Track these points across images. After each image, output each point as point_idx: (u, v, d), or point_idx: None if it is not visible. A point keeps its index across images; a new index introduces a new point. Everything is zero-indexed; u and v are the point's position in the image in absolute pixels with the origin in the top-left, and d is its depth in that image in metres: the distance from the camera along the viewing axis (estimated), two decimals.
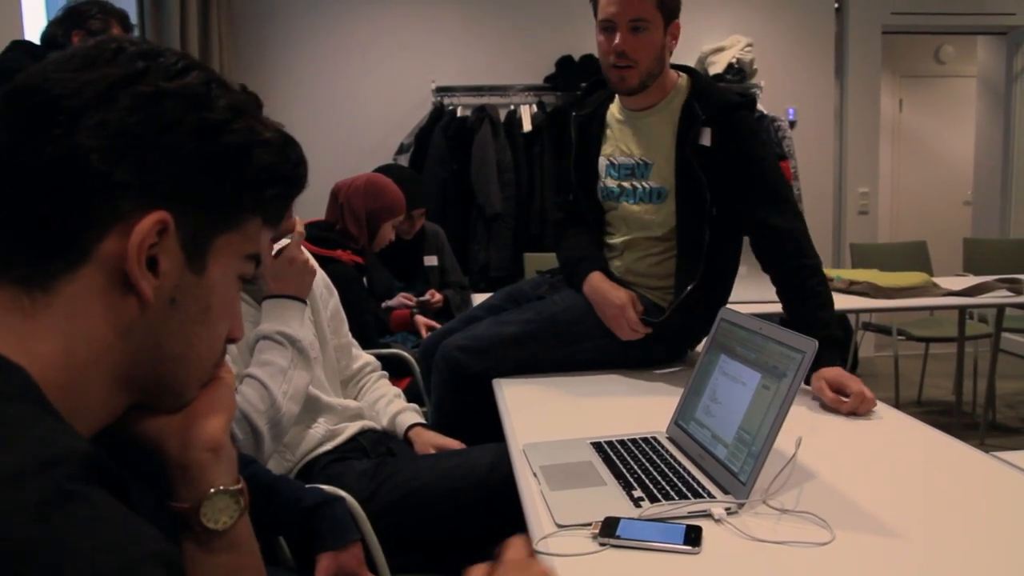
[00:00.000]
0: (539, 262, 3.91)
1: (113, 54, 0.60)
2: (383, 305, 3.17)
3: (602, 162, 1.95)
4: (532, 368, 1.86)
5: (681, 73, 1.89)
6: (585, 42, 4.89)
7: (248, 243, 0.67)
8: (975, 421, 4.13)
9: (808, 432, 1.30)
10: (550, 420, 1.54)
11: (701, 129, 1.76)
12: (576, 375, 1.85)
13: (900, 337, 4.15)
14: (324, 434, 1.63)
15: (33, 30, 2.89)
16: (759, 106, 4.73)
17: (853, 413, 1.50)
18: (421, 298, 3.20)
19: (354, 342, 1.92)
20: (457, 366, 1.84)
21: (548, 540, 1.02)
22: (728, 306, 1.46)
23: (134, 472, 0.65)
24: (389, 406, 1.85)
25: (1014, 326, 4.27)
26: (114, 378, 0.61)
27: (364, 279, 2.79)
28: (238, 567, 0.71)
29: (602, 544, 0.99)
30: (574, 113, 2.02)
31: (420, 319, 3.12)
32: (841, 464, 1.27)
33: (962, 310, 3.90)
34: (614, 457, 1.27)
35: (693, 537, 0.99)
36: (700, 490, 1.14)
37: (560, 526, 1.05)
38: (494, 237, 4.52)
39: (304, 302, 1.56)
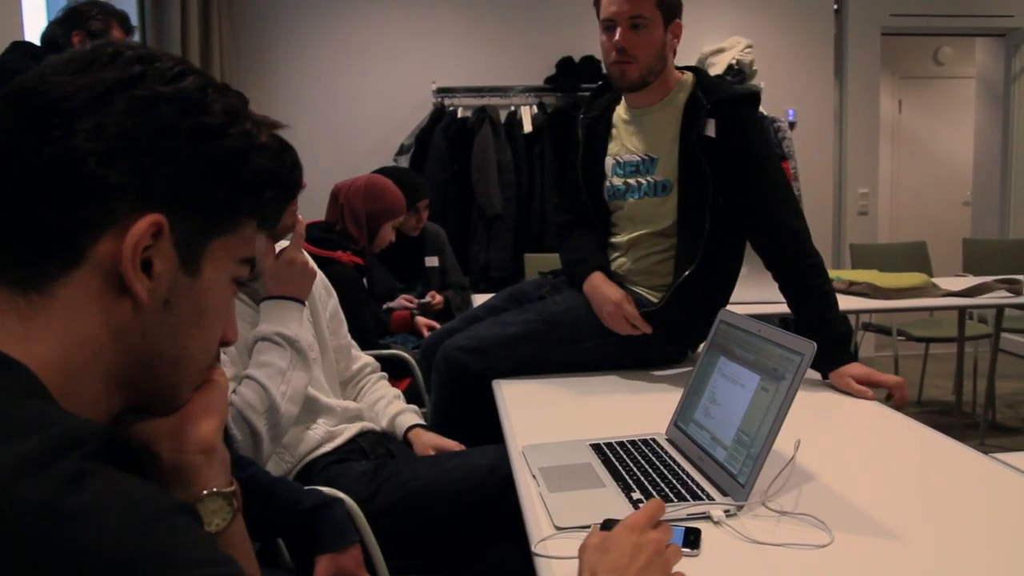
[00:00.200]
0: (540, 263, 3.91)
1: (110, 58, 0.61)
2: (384, 307, 3.17)
3: (608, 162, 1.97)
4: (533, 368, 1.86)
5: (686, 72, 1.92)
6: (585, 43, 4.89)
7: (243, 246, 0.67)
8: (975, 421, 4.13)
9: (807, 434, 1.30)
10: (549, 421, 1.54)
11: (705, 120, 1.78)
12: (575, 376, 1.86)
13: (900, 337, 4.15)
14: (323, 435, 1.63)
15: (33, 31, 2.89)
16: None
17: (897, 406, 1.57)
18: (422, 300, 3.20)
19: (353, 343, 1.92)
20: (458, 366, 1.84)
21: (547, 542, 1.02)
22: (727, 307, 1.46)
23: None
24: (388, 407, 1.85)
25: (1013, 326, 4.28)
26: (109, 380, 0.61)
27: (364, 280, 2.79)
28: None
29: None
30: (582, 115, 2.05)
31: (420, 319, 3.13)
32: (840, 466, 1.27)
33: (962, 310, 3.90)
34: (613, 459, 1.27)
35: (692, 539, 0.99)
36: (699, 492, 1.14)
37: (559, 528, 1.05)
38: (494, 238, 4.52)
39: (303, 303, 1.56)
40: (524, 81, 4.88)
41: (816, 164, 5.22)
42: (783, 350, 1.15)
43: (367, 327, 2.58)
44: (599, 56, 5.01)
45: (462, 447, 1.73)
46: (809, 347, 1.11)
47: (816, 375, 1.72)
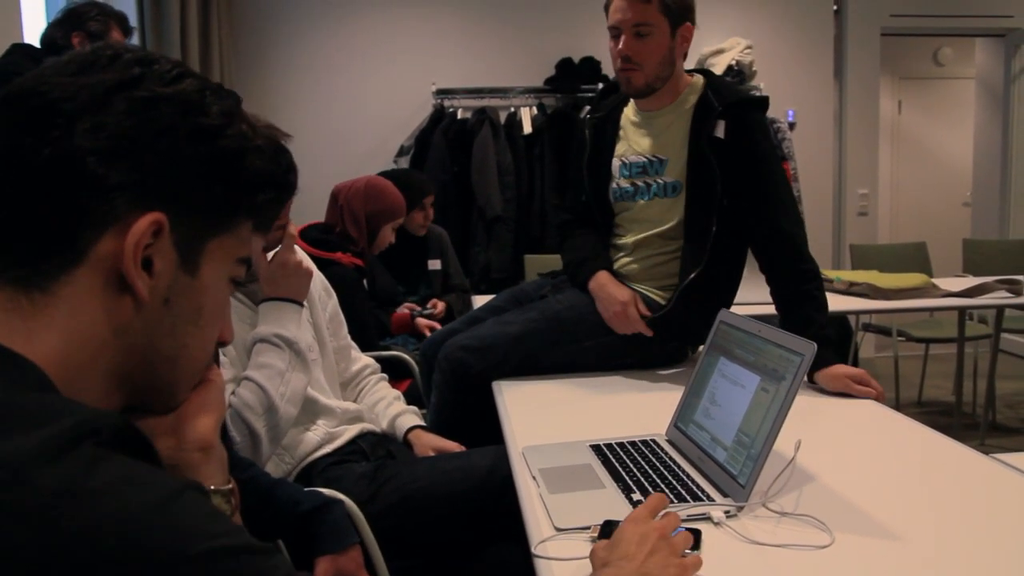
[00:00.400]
0: (540, 264, 3.91)
1: (110, 60, 0.61)
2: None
3: (615, 163, 1.97)
4: (535, 367, 1.86)
5: (696, 74, 1.92)
6: (585, 44, 4.89)
7: (240, 246, 0.68)
8: (975, 421, 4.13)
9: (807, 434, 1.30)
10: (549, 422, 1.54)
11: (716, 121, 1.79)
12: (575, 377, 1.85)
13: (900, 338, 4.15)
14: (323, 436, 1.63)
15: (33, 33, 2.89)
16: None
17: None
18: (425, 310, 3.19)
19: (353, 344, 1.92)
20: (460, 365, 1.84)
21: (547, 544, 1.02)
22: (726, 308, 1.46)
23: None
24: (389, 408, 1.85)
25: (1014, 327, 4.27)
26: (109, 377, 0.62)
27: (364, 281, 2.79)
28: None
29: None
30: (588, 115, 2.05)
31: (421, 320, 3.12)
32: (841, 466, 1.27)
33: (962, 311, 3.90)
34: (613, 460, 1.27)
35: (693, 542, 0.99)
36: (699, 493, 1.13)
37: (559, 529, 1.05)
38: (495, 239, 4.52)
39: (301, 304, 1.56)
40: (524, 82, 4.88)
41: (816, 165, 5.22)
42: (783, 351, 1.15)
43: (367, 328, 2.58)
44: (599, 57, 5.06)
45: (462, 448, 1.73)
46: (809, 347, 1.10)
47: None
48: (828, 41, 5.28)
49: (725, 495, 1.13)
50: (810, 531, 1.03)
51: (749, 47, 4.82)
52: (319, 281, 1.81)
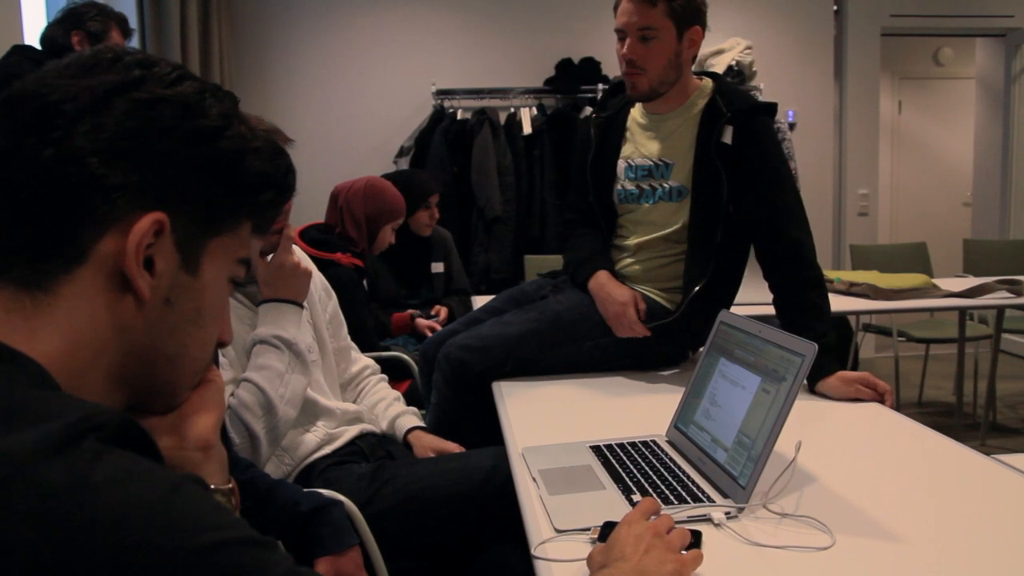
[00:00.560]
0: (540, 264, 3.91)
1: (110, 62, 0.62)
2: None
3: (620, 164, 1.95)
4: (535, 367, 1.86)
5: (704, 77, 1.91)
6: (585, 45, 4.89)
7: (241, 247, 0.69)
8: (976, 422, 4.13)
9: (808, 435, 1.30)
10: (549, 423, 1.54)
11: (723, 127, 1.77)
12: (575, 377, 1.85)
13: (900, 338, 4.15)
14: (323, 438, 1.63)
15: (33, 34, 2.89)
16: None
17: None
18: (429, 319, 3.18)
19: (353, 345, 1.92)
20: (460, 365, 1.84)
21: (546, 545, 1.01)
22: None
23: None
24: (388, 409, 1.85)
25: (1014, 327, 4.27)
26: (110, 377, 0.62)
27: (364, 282, 2.79)
28: None
29: None
30: (594, 114, 2.03)
31: (421, 321, 3.12)
32: (841, 467, 1.26)
33: (962, 311, 3.90)
34: (613, 461, 1.27)
35: (693, 542, 0.98)
36: (700, 494, 1.13)
37: (559, 531, 1.04)
38: (495, 240, 4.51)
39: (301, 305, 1.56)
40: (524, 83, 4.87)
41: (816, 165, 5.22)
42: (784, 351, 1.15)
43: (367, 329, 2.58)
44: (599, 58, 5.05)
45: (462, 449, 1.72)
46: (810, 348, 1.10)
47: None
48: (828, 41, 5.28)
49: (725, 496, 1.13)
50: (811, 532, 1.03)
51: (749, 47, 4.82)
52: (319, 282, 1.81)
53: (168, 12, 3.81)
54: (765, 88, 4.92)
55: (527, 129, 4.62)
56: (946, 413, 4.36)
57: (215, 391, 0.74)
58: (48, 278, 0.58)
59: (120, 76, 0.61)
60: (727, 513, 1.08)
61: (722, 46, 4.80)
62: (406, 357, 2.60)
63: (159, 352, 0.64)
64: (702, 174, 1.81)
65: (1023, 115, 5.59)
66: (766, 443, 1.10)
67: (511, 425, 1.52)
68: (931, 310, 3.29)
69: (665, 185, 1.88)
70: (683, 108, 1.87)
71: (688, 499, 1.12)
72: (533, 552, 1.00)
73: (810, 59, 5.23)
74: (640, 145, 1.93)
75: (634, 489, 1.16)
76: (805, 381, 1.63)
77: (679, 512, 1.07)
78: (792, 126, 5.13)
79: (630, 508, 1.09)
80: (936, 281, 3.14)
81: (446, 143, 4.53)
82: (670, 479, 1.19)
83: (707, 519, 1.07)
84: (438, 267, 3.41)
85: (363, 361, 1.93)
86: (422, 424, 1.83)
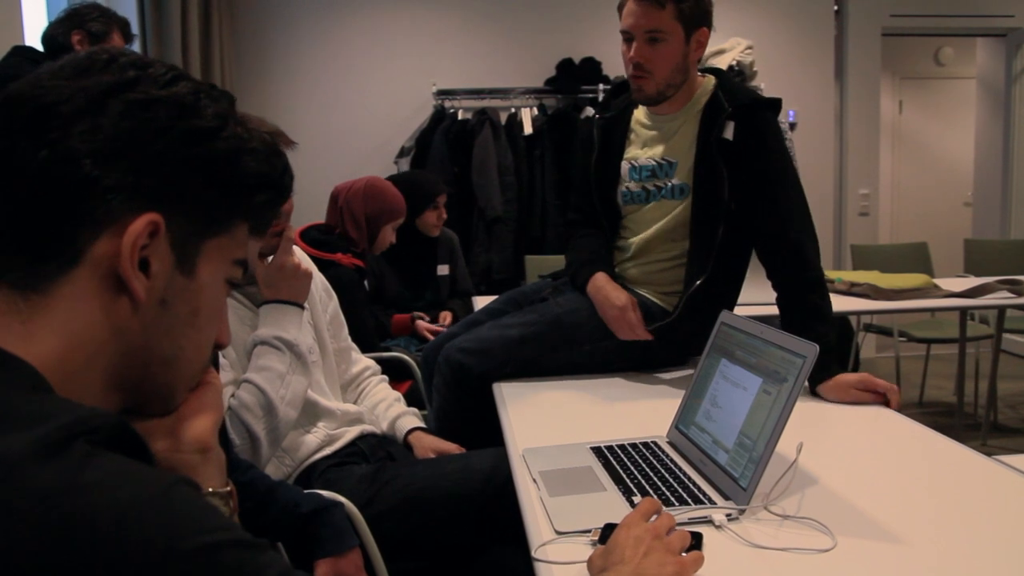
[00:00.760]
0: (541, 264, 3.91)
1: (105, 64, 0.62)
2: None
3: (624, 166, 1.93)
4: (535, 370, 1.85)
5: (708, 75, 1.88)
6: (586, 45, 4.89)
7: (237, 248, 0.68)
8: (977, 422, 4.12)
9: (809, 437, 1.29)
10: (550, 424, 1.54)
11: (725, 122, 1.75)
12: (576, 378, 1.85)
13: (901, 338, 4.15)
14: (323, 439, 1.62)
15: (34, 35, 2.89)
16: None
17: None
18: (435, 324, 3.18)
19: (354, 346, 1.92)
20: (460, 368, 1.83)
21: (547, 547, 1.01)
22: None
23: None
24: (389, 410, 1.85)
25: (1015, 327, 4.27)
26: (106, 380, 0.62)
27: (364, 282, 2.79)
28: None
29: None
30: (597, 115, 2.00)
31: (421, 323, 3.12)
32: (843, 469, 1.26)
33: (963, 311, 3.90)
34: (614, 462, 1.27)
35: (694, 544, 0.98)
36: (701, 496, 1.13)
37: (559, 533, 1.04)
38: (495, 240, 4.51)
39: (302, 307, 1.56)
40: (524, 83, 4.87)
41: (817, 165, 5.22)
42: (785, 352, 1.15)
43: (368, 330, 2.58)
44: (599, 58, 5.04)
45: (462, 450, 1.72)
46: (812, 349, 1.10)
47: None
48: (829, 41, 5.27)
49: (727, 498, 1.12)
50: (812, 534, 1.03)
51: (750, 47, 4.81)
52: (319, 282, 1.81)
53: (169, 13, 3.81)
54: (766, 88, 4.90)
55: (528, 129, 4.61)
56: (947, 413, 4.36)
57: (213, 393, 0.73)
58: (43, 280, 0.58)
59: (115, 77, 0.61)
60: (728, 515, 1.07)
61: (723, 46, 4.80)
62: (407, 358, 2.60)
63: (155, 354, 0.64)
64: (703, 171, 1.79)
65: None
66: (767, 444, 1.09)
67: (511, 426, 1.51)
68: (932, 310, 3.29)
69: (668, 183, 1.86)
70: (686, 108, 1.85)
71: (689, 501, 1.11)
72: (533, 554, 1.00)
73: (811, 59, 5.23)
74: (644, 146, 1.91)
75: (635, 491, 1.16)
76: (806, 383, 1.64)
77: (680, 514, 1.07)
78: (793, 126, 5.13)
79: (631, 510, 1.09)
80: (937, 281, 3.13)
81: (447, 143, 4.53)
82: (671, 480, 1.18)
83: (708, 521, 1.06)
84: (443, 269, 3.40)
85: (364, 362, 1.93)
86: (423, 425, 1.83)
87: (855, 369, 4.32)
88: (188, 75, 0.66)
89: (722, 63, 4.71)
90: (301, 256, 1.68)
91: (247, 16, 4.77)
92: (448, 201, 4.41)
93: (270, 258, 1.55)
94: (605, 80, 4.77)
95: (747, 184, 1.75)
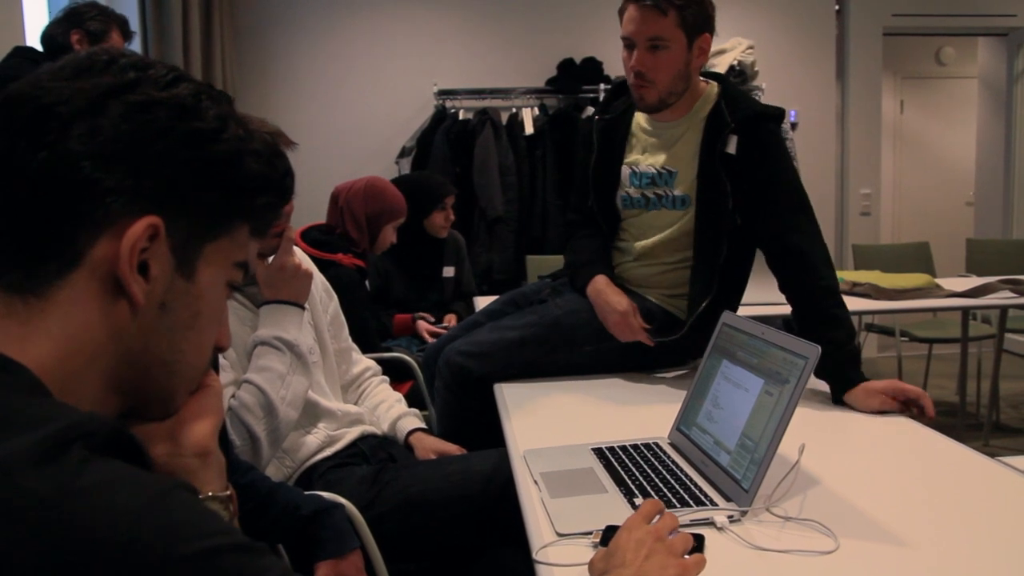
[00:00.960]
0: (541, 264, 3.90)
1: (105, 64, 0.61)
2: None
3: (624, 170, 1.90)
4: (535, 371, 1.85)
5: (710, 81, 1.85)
6: (587, 45, 4.89)
7: (237, 251, 0.68)
8: (979, 422, 4.12)
9: (812, 438, 1.29)
10: (551, 425, 1.53)
11: (728, 136, 1.72)
12: (577, 379, 1.84)
13: (903, 338, 4.14)
14: (324, 440, 1.62)
15: (35, 35, 2.89)
16: None
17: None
18: (440, 325, 3.18)
19: (354, 346, 1.92)
20: (460, 370, 1.83)
21: (548, 549, 1.01)
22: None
23: None
24: (390, 411, 1.84)
25: (1017, 327, 4.26)
26: (105, 383, 0.61)
27: (365, 282, 2.78)
28: None
29: None
30: (597, 117, 1.97)
31: (422, 324, 3.12)
32: (845, 470, 1.25)
33: (965, 311, 3.89)
34: (615, 464, 1.26)
35: (696, 546, 0.98)
36: (702, 497, 1.13)
37: (560, 535, 1.04)
38: (496, 240, 4.51)
39: (302, 307, 1.56)
40: (525, 83, 4.87)
41: (818, 165, 5.22)
42: (787, 353, 1.14)
43: (368, 330, 2.57)
44: (600, 57, 5.03)
45: (464, 451, 1.72)
46: (813, 350, 1.10)
47: (820, 382, 1.69)
48: (830, 41, 5.27)
49: (728, 499, 1.12)
50: (815, 536, 1.03)
51: (751, 47, 4.81)
52: (320, 283, 1.80)
53: (170, 13, 3.81)
54: (767, 88, 4.91)
55: (529, 129, 4.61)
56: (949, 413, 4.35)
57: (213, 397, 0.72)
58: (42, 283, 0.58)
59: (115, 78, 0.60)
60: (730, 516, 1.07)
61: (724, 46, 4.79)
62: (408, 358, 2.60)
63: (155, 358, 0.64)
64: (706, 184, 1.76)
65: None
66: (769, 446, 1.09)
67: (513, 427, 1.51)
68: (934, 310, 3.28)
69: (669, 192, 1.84)
70: (688, 117, 1.82)
71: (691, 502, 1.11)
72: (535, 556, 0.99)
73: (812, 59, 5.22)
74: (644, 152, 1.88)
75: (636, 492, 1.15)
76: (829, 392, 1.62)
77: (681, 516, 1.06)
78: (794, 126, 5.12)
79: (632, 511, 1.09)
80: (939, 281, 3.13)
81: (448, 143, 4.53)
82: (672, 482, 1.18)
83: (710, 523, 1.06)
84: (449, 271, 3.40)
85: (364, 362, 1.93)
86: (424, 426, 1.83)
87: None
88: (189, 76, 0.65)
89: (723, 63, 4.71)
90: (301, 256, 1.68)
91: (248, 16, 4.77)
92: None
93: (270, 259, 1.54)
94: (606, 80, 4.77)
95: (751, 195, 1.72)
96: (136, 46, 3.38)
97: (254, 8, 4.78)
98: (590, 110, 4.52)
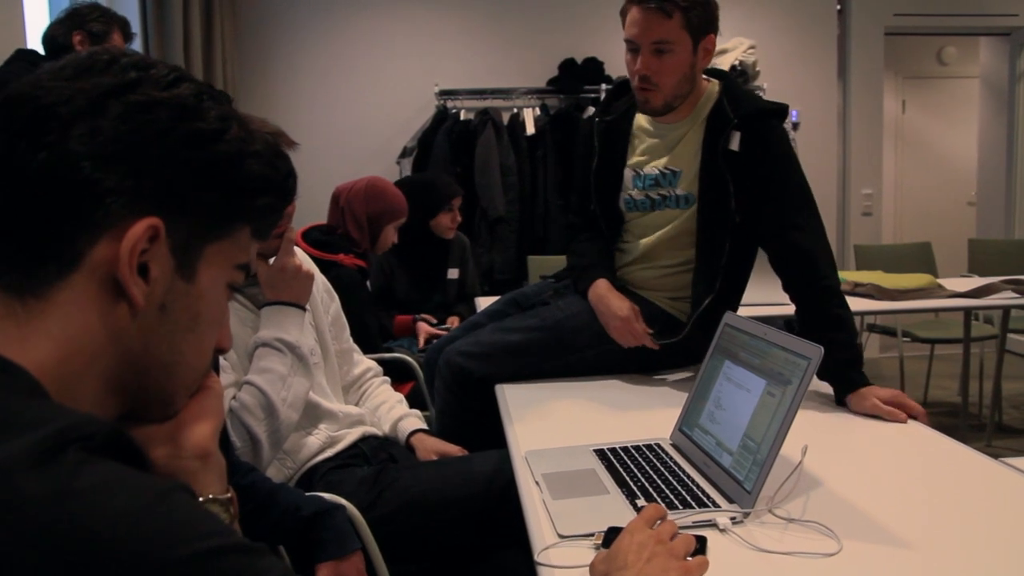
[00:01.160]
0: (543, 265, 3.90)
1: (106, 64, 0.61)
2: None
3: (627, 173, 1.88)
4: (536, 373, 1.84)
5: (711, 79, 1.83)
6: (588, 45, 4.88)
7: (239, 252, 0.67)
8: (981, 423, 4.11)
9: (814, 439, 1.29)
10: (553, 426, 1.53)
11: (731, 133, 1.70)
12: (579, 380, 1.84)
13: (905, 339, 4.13)
14: (325, 441, 1.62)
15: (36, 36, 2.89)
16: None
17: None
18: (442, 327, 3.18)
19: (355, 347, 1.91)
20: (461, 371, 1.82)
21: (549, 551, 1.00)
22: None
23: None
24: (391, 412, 1.84)
25: (1020, 327, 4.25)
26: (104, 385, 0.61)
27: (367, 283, 2.78)
28: None
29: None
30: (597, 119, 1.94)
31: (422, 326, 3.11)
32: (848, 471, 1.25)
33: (967, 311, 3.88)
34: (617, 465, 1.26)
35: (698, 548, 0.97)
36: (704, 499, 1.12)
37: (562, 536, 1.03)
38: (498, 240, 4.51)
39: (303, 308, 1.55)
40: (527, 83, 4.86)
41: (820, 165, 5.21)
42: (789, 354, 1.14)
43: (370, 331, 2.57)
44: (602, 57, 5.02)
45: (465, 452, 1.71)
46: (816, 351, 1.09)
47: (823, 384, 1.68)
48: (831, 40, 5.26)
49: (731, 501, 1.11)
50: (817, 538, 1.02)
51: (752, 47, 4.80)
52: (321, 283, 1.80)
53: (171, 13, 3.80)
54: (768, 88, 4.90)
55: (530, 129, 4.61)
56: (951, 414, 4.34)
57: (214, 398, 0.72)
58: (41, 284, 0.57)
59: (116, 78, 0.60)
60: (732, 518, 1.07)
61: (725, 46, 4.79)
62: (409, 359, 2.60)
63: (154, 360, 0.63)
64: (708, 182, 1.75)
65: None
66: (772, 447, 1.09)
67: (514, 428, 1.51)
68: (936, 310, 3.27)
69: (672, 192, 1.83)
70: (691, 118, 1.80)
71: (693, 504, 1.10)
72: (536, 558, 0.99)
73: (813, 58, 5.22)
74: (646, 153, 1.87)
75: (638, 494, 1.15)
76: (832, 393, 1.61)
77: (683, 517, 1.06)
78: (796, 126, 5.11)
79: (634, 513, 1.08)
80: (941, 281, 3.12)
81: (449, 144, 4.53)
82: (674, 483, 1.18)
83: (712, 524, 1.06)
84: (453, 273, 3.41)
85: (365, 363, 1.93)
86: (425, 427, 1.82)
87: None
88: (191, 76, 0.65)
89: (724, 63, 4.70)
90: (302, 257, 1.68)
91: (249, 16, 4.77)
92: None
93: (272, 259, 1.54)
94: (608, 80, 4.76)
95: (753, 192, 1.71)
96: (137, 46, 3.38)
97: (255, 8, 4.78)
98: (592, 110, 4.52)
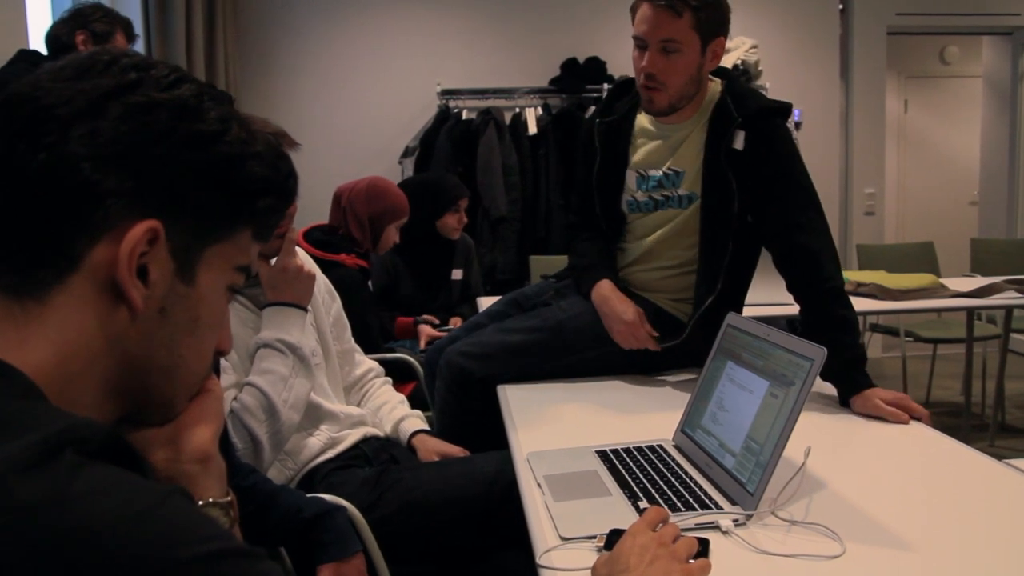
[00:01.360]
0: (545, 264, 3.90)
1: (106, 65, 0.60)
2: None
3: (630, 175, 1.87)
4: (537, 374, 1.84)
5: (715, 78, 1.82)
6: (590, 44, 4.87)
7: (239, 254, 0.67)
8: (984, 423, 4.10)
9: (817, 441, 1.28)
10: (555, 428, 1.53)
11: (735, 132, 1.69)
12: (581, 381, 1.83)
13: (908, 338, 4.13)
14: (326, 442, 1.62)
15: (39, 37, 2.89)
16: None
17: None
18: (444, 328, 3.17)
19: (357, 348, 1.91)
20: (461, 372, 1.81)
21: (551, 553, 1.00)
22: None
23: None
24: (392, 413, 1.84)
25: (1023, 327, 4.24)
26: (103, 388, 0.61)
27: (368, 283, 2.78)
28: None
29: None
30: (598, 119, 1.92)
31: (424, 328, 3.11)
32: (851, 473, 1.25)
33: (970, 311, 3.87)
34: (619, 466, 1.25)
35: (700, 550, 0.97)
36: (707, 501, 1.12)
37: (564, 539, 1.03)
38: (500, 240, 4.50)
39: (305, 309, 1.55)
40: (529, 83, 4.86)
41: (822, 164, 5.20)
42: (792, 355, 1.13)
43: (371, 331, 2.56)
44: (604, 57, 5.02)
45: (467, 453, 1.71)
46: (819, 353, 1.09)
47: (826, 385, 1.68)
48: (834, 40, 5.25)
49: (734, 503, 1.11)
50: (821, 540, 1.02)
51: (754, 46, 4.80)
52: (322, 284, 1.80)
53: (173, 13, 3.80)
54: (770, 87, 4.89)
55: (532, 129, 4.60)
56: (954, 414, 4.34)
57: (214, 401, 0.72)
58: (40, 287, 0.57)
59: (116, 79, 0.59)
60: (735, 520, 1.06)
61: (727, 45, 4.78)
62: (411, 359, 2.59)
63: (154, 363, 0.63)
64: (711, 181, 1.74)
65: None
66: (775, 448, 1.08)
67: (516, 429, 1.50)
68: (939, 310, 3.27)
69: (675, 193, 1.81)
70: (694, 119, 1.79)
71: (695, 506, 1.10)
72: (538, 560, 0.99)
73: (816, 58, 5.21)
74: (649, 154, 1.85)
75: (641, 496, 1.14)
76: (835, 394, 1.61)
77: (686, 519, 1.06)
78: (798, 125, 5.11)
79: (637, 515, 1.08)
80: (943, 281, 3.11)
81: (451, 143, 4.52)
82: (677, 485, 1.17)
83: (715, 526, 1.05)
84: (457, 274, 3.41)
85: (367, 364, 1.92)
86: (426, 427, 1.82)
87: None
88: (191, 77, 0.64)
89: (726, 62, 4.69)
90: (304, 258, 1.67)
91: (251, 16, 4.77)
92: None
93: (273, 260, 1.54)
94: (610, 80, 4.76)
95: (758, 191, 1.70)
96: (139, 47, 3.38)
97: (257, 8, 4.78)
98: (593, 110, 4.51)
